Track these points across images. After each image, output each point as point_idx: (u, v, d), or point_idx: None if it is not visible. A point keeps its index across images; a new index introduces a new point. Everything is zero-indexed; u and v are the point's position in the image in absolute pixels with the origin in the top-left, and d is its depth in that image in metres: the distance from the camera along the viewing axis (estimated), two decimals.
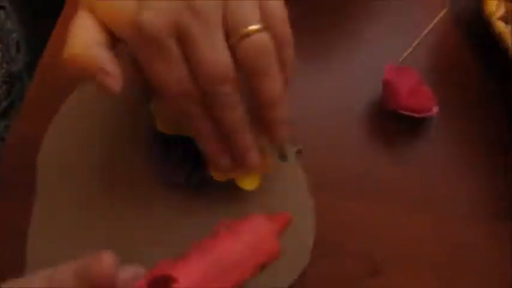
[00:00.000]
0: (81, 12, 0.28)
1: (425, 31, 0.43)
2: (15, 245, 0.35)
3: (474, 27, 0.43)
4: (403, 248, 0.36)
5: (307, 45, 0.43)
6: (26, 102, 0.40)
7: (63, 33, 0.42)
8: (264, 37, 0.27)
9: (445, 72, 0.42)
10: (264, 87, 0.28)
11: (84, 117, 0.39)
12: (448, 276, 0.35)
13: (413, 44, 0.42)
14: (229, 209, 0.36)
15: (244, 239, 0.27)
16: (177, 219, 0.36)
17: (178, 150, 0.36)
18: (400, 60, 0.42)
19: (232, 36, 0.27)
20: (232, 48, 0.27)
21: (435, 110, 0.38)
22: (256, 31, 0.27)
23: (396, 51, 0.42)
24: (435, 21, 0.43)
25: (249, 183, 0.35)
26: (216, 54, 0.27)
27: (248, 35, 0.27)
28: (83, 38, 0.28)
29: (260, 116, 0.30)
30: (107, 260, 0.23)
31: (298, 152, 0.38)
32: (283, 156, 0.37)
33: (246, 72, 0.28)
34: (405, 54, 0.42)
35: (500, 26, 0.38)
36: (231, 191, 0.35)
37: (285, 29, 0.28)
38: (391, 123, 0.40)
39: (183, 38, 0.26)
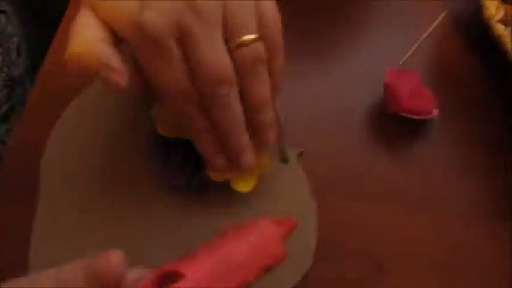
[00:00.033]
0: (83, 10, 0.28)
1: (425, 34, 0.43)
2: (17, 247, 0.35)
3: (474, 29, 0.44)
4: (404, 248, 0.36)
5: (308, 48, 0.43)
6: (27, 107, 0.40)
7: (64, 41, 0.42)
8: (260, 48, 0.28)
9: (445, 75, 0.42)
10: (254, 90, 0.29)
11: (86, 122, 0.39)
12: (449, 276, 0.35)
13: (414, 47, 0.43)
14: (230, 211, 0.36)
15: (250, 241, 0.28)
16: (178, 222, 0.36)
17: (178, 153, 0.36)
18: (400, 63, 0.42)
19: (230, 41, 0.28)
20: (228, 52, 0.28)
21: (435, 112, 0.39)
22: (253, 41, 0.28)
23: (396, 54, 0.43)
24: (435, 24, 0.43)
25: (243, 185, 0.35)
26: (216, 55, 0.27)
27: (245, 44, 0.27)
28: (86, 35, 0.28)
29: (249, 119, 0.30)
30: (115, 258, 0.23)
31: (300, 154, 0.38)
32: (284, 159, 0.38)
33: (239, 76, 0.28)
34: (405, 57, 0.42)
35: (500, 28, 0.38)
36: (231, 193, 0.35)
37: (278, 39, 0.29)
38: (392, 125, 0.40)
39: (183, 38, 0.27)
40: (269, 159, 0.35)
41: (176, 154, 0.36)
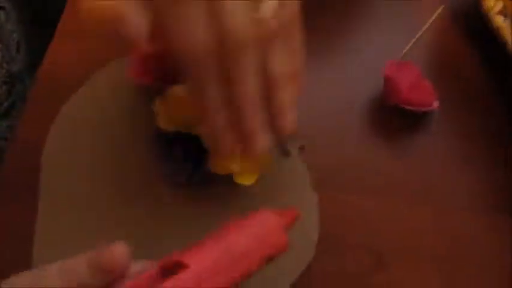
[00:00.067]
0: None
1: (425, 27, 0.43)
2: (18, 246, 0.35)
3: (472, 21, 0.44)
4: (405, 240, 0.36)
5: (308, 43, 0.43)
6: (27, 106, 0.40)
7: (63, 39, 0.42)
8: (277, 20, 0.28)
9: (445, 67, 0.42)
10: (276, 59, 0.28)
11: (86, 118, 0.39)
12: (449, 269, 0.35)
13: (413, 40, 0.43)
14: (233, 205, 0.36)
15: (252, 231, 0.28)
16: (181, 217, 0.36)
17: (179, 148, 0.36)
18: (400, 56, 0.42)
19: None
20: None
21: (436, 104, 0.39)
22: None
23: (396, 48, 0.43)
24: (434, 16, 0.43)
25: (246, 179, 0.35)
26: (244, 18, 0.26)
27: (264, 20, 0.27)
28: None
29: (270, 97, 0.29)
30: (119, 250, 0.23)
31: (301, 148, 0.38)
32: (286, 153, 0.38)
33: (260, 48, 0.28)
34: (405, 50, 0.42)
35: (498, 20, 0.38)
36: (233, 187, 0.36)
37: (296, 14, 0.29)
38: (393, 117, 0.40)
39: None
40: (271, 153, 0.35)
41: (177, 149, 0.36)
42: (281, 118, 0.30)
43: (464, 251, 0.36)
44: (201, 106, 0.29)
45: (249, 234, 0.27)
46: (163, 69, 0.37)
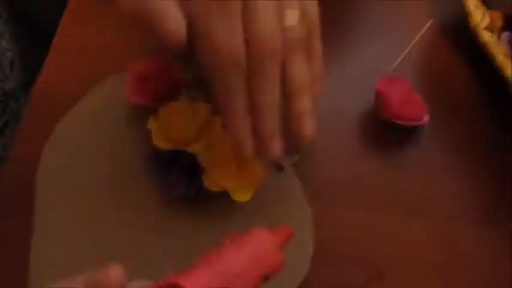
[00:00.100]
0: None
1: (414, 41, 0.44)
2: (14, 264, 0.35)
3: (461, 35, 0.44)
4: (401, 252, 0.36)
5: None
6: (22, 124, 0.40)
7: (58, 55, 0.43)
8: (303, 30, 0.29)
9: (435, 81, 0.43)
10: (296, 69, 0.29)
11: (80, 135, 0.39)
12: (447, 278, 0.36)
13: (403, 54, 0.43)
14: (228, 221, 0.36)
15: (248, 251, 0.28)
16: (177, 232, 0.36)
17: (174, 167, 0.36)
18: (390, 70, 0.43)
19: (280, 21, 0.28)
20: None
21: (426, 118, 0.39)
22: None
23: (386, 61, 0.43)
24: (423, 31, 0.44)
25: (242, 195, 0.35)
26: (274, 26, 0.27)
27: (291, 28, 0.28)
28: None
29: (289, 105, 0.30)
30: (115, 272, 0.24)
31: (295, 163, 0.39)
32: (279, 168, 0.38)
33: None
34: (395, 64, 0.43)
35: (486, 35, 0.39)
36: (228, 204, 0.36)
37: (317, 24, 0.30)
38: (384, 132, 0.41)
39: (246, 4, 0.27)
40: (266, 169, 0.36)
41: (172, 166, 0.36)
42: (301, 126, 0.31)
43: (460, 260, 0.36)
44: (227, 112, 0.29)
45: (245, 254, 0.27)
46: (158, 88, 0.37)
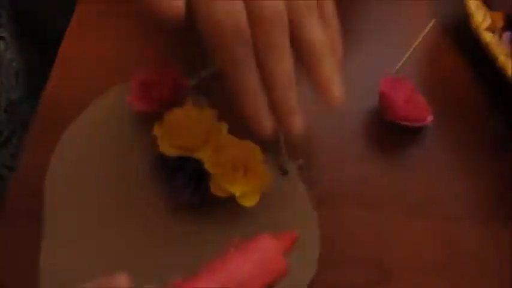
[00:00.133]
0: None
1: (417, 41, 0.44)
2: (23, 272, 0.35)
3: (463, 36, 0.44)
4: (407, 252, 0.37)
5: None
6: (29, 133, 0.41)
7: (63, 67, 0.43)
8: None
9: (438, 81, 0.43)
10: (311, 30, 0.28)
11: (87, 143, 0.39)
12: (453, 277, 0.36)
13: (406, 55, 0.43)
14: (234, 226, 0.36)
15: (252, 258, 0.28)
16: (183, 240, 0.36)
17: (180, 173, 0.37)
18: (393, 71, 0.43)
19: None
20: None
21: (430, 119, 0.39)
22: None
23: (388, 63, 0.43)
24: (425, 32, 0.44)
25: (248, 200, 0.35)
26: None
27: None
28: None
29: (311, 71, 0.28)
30: (121, 281, 0.24)
31: (299, 166, 0.39)
32: (284, 171, 0.38)
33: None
34: (398, 66, 0.43)
35: (487, 36, 0.39)
36: (234, 209, 0.36)
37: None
38: (388, 133, 0.41)
39: None
40: (271, 173, 0.36)
41: (178, 173, 0.37)
42: (328, 91, 0.29)
43: (466, 259, 0.36)
44: (238, 91, 0.28)
45: (250, 262, 0.27)
46: (162, 94, 0.37)
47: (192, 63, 0.41)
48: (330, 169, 0.39)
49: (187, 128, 0.36)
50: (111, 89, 0.41)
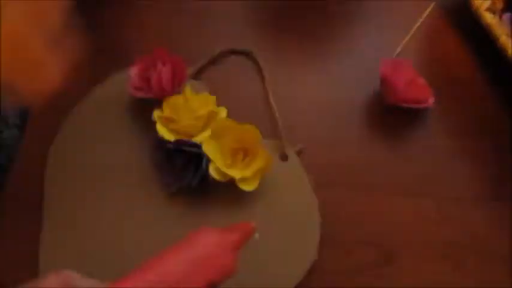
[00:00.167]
0: None
1: (417, 24, 0.44)
2: (24, 261, 0.35)
3: (463, 17, 0.44)
4: (411, 232, 0.37)
5: (304, 49, 0.44)
6: (29, 123, 0.41)
7: None
8: None
9: (438, 63, 0.43)
10: None
11: (87, 132, 0.39)
12: (457, 254, 0.36)
13: (407, 38, 0.43)
14: (234, 210, 0.37)
15: (188, 257, 0.25)
16: (183, 224, 0.36)
17: (180, 157, 0.37)
18: (394, 55, 0.43)
19: None
20: None
21: (431, 100, 0.39)
22: None
23: (389, 46, 0.43)
24: (425, 15, 0.44)
25: (248, 184, 0.36)
26: None
27: None
28: None
29: None
30: (52, 281, 0.24)
31: (299, 151, 0.39)
32: (284, 156, 0.38)
33: None
34: (399, 48, 0.43)
35: (488, 17, 0.39)
36: (234, 194, 0.36)
37: None
38: (390, 115, 0.41)
39: None
40: (271, 158, 0.36)
41: (178, 157, 0.37)
42: None
43: (469, 237, 0.37)
44: None
45: (184, 261, 0.25)
46: (161, 80, 0.37)
47: (191, 51, 0.41)
48: (332, 152, 0.39)
49: (186, 113, 0.36)
50: (110, 77, 0.41)
